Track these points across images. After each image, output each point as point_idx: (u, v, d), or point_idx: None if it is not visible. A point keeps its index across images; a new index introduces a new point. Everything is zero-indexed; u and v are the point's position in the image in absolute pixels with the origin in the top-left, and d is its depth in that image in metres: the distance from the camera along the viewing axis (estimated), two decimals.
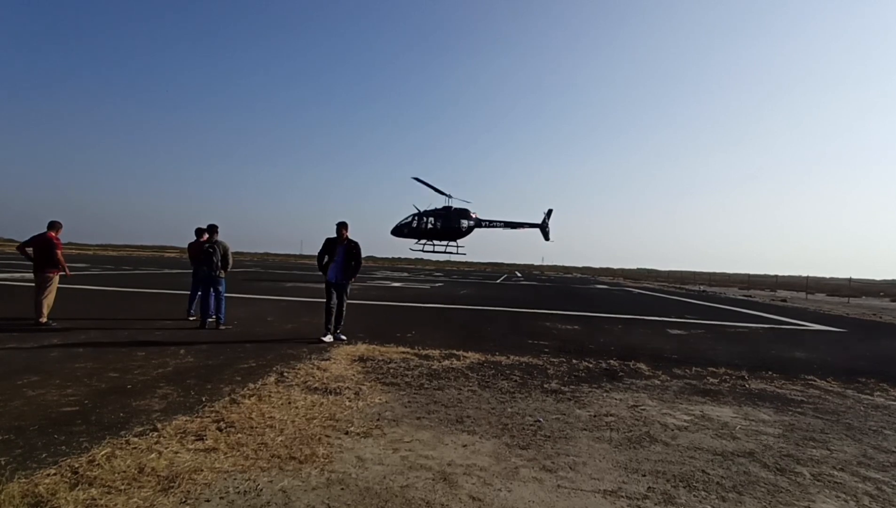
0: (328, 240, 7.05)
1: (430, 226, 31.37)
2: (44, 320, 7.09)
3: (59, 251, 7.37)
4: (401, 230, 31.95)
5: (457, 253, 32.28)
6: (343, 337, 6.93)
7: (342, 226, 7.06)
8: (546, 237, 33.51)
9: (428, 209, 31.42)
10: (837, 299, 29.57)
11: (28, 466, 2.59)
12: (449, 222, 31.24)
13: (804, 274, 46.99)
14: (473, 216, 31.81)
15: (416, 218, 31.44)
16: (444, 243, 32.11)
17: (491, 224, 32.55)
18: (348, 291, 7.25)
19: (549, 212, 33.59)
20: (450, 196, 31.09)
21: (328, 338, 6.77)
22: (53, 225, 7.47)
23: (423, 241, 32.15)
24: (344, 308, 7.13)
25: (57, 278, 7.42)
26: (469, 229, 31.81)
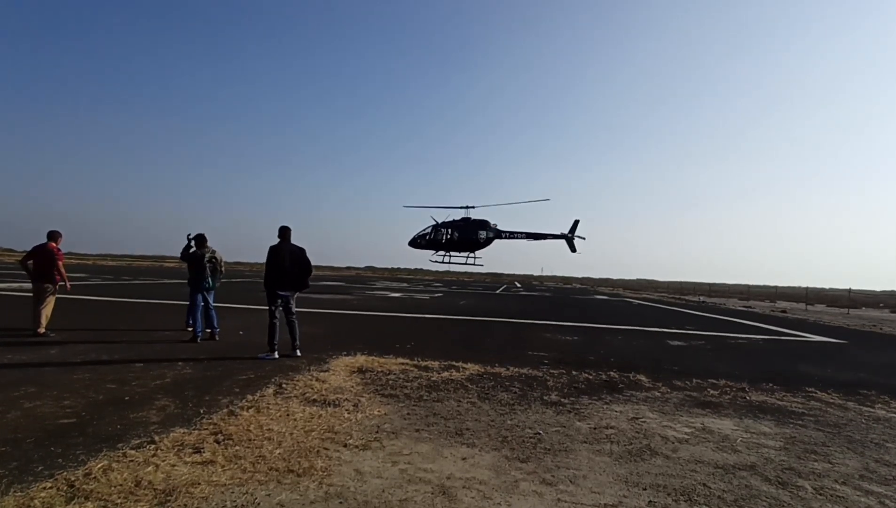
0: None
1: (447, 237, 31.00)
2: (42, 330, 7.06)
3: (60, 263, 7.33)
4: (418, 242, 31.70)
5: (473, 264, 31.89)
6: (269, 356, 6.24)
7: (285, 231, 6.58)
8: (573, 249, 32.72)
9: (446, 221, 31.10)
10: (837, 310, 29.54)
11: (24, 479, 2.57)
12: (466, 234, 30.84)
13: (804, 285, 47.00)
14: (492, 228, 31.34)
15: (433, 230, 31.11)
16: (461, 254, 31.62)
17: (512, 236, 31.94)
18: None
19: (576, 223, 32.88)
20: (469, 207, 30.86)
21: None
22: (53, 235, 7.40)
23: (441, 252, 31.76)
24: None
25: (56, 288, 7.39)
26: (488, 241, 31.32)
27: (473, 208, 30.96)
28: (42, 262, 7.23)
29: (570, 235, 32.74)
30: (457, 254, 31.80)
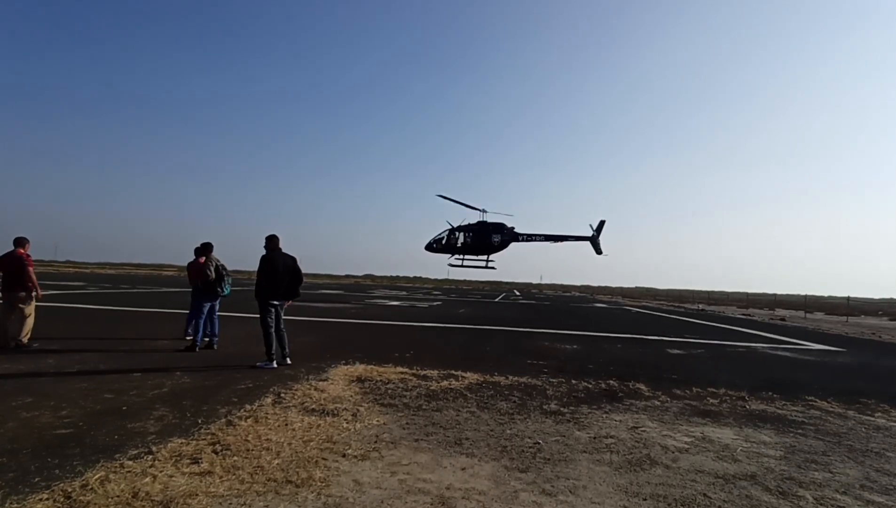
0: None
1: (462, 241, 30.63)
2: (25, 341, 6.83)
3: (30, 269, 6.95)
4: (433, 246, 31.34)
5: (486, 267, 31.40)
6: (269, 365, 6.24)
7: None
8: (598, 251, 31.52)
9: (461, 225, 30.75)
10: (836, 318, 29.53)
11: (21, 490, 2.55)
12: (480, 238, 30.43)
13: (802, 293, 47.05)
14: (509, 230, 30.78)
15: (449, 233, 30.78)
16: (477, 257, 31.11)
17: (530, 238, 31.17)
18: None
19: (602, 223, 31.74)
20: (484, 210, 30.45)
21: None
22: (21, 241, 7.01)
23: (457, 256, 31.30)
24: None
25: (29, 296, 7.00)
26: (503, 244, 30.77)
27: (487, 211, 30.58)
28: (12, 270, 6.88)
29: (595, 236, 31.39)
30: (473, 257, 31.41)
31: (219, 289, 7.61)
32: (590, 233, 31.70)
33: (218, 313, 7.75)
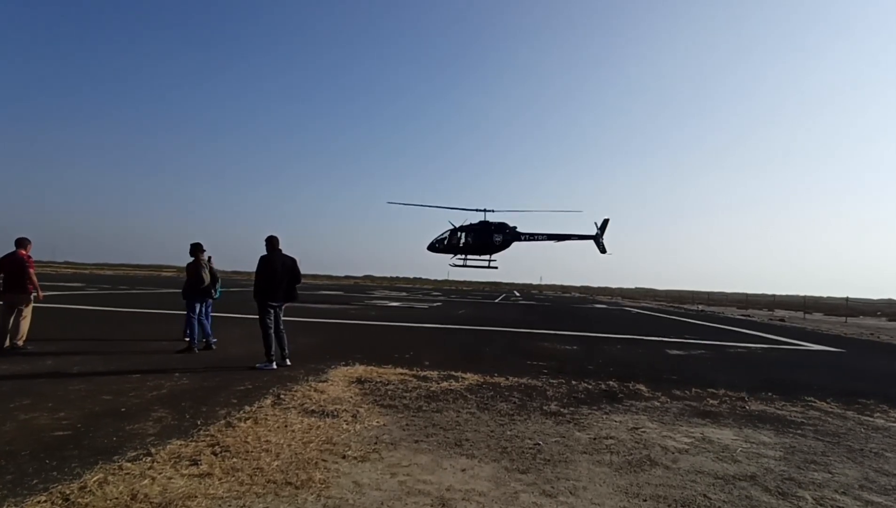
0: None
1: (464, 241, 30.48)
2: (21, 343, 6.77)
3: (31, 271, 6.90)
4: (436, 247, 31.21)
5: (489, 267, 31.23)
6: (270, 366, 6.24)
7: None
8: (602, 250, 31.41)
9: (463, 224, 30.58)
10: (835, 319, 29.58)
11: (19, 493, 2.54)
12: (481, 237, 30.27)
13: (801, 293, 47.09)
14: (511, 230, 30.62)
15: (451, 234, 30.64)
16: (479, 257, 30.96)
17: (533, 237, 30.97)
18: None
19: (605, 222, 31.58)
20: (487, 210, 30.32)
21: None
22: (22, 242, 6.95)
23: (459, 256, 31.14)
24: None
25: (30, 298, 6.98)
26: (505, 244, 30.61)
27: (493, 211, 30.40)
28: (13, 271, 6.81)
29: (599, 235, 31.18)
30: (476, 257, 31.20)
31: (213, 290, 7.62)
32: (593, 232, 31.62)
33: (209, 315, 7.75)
